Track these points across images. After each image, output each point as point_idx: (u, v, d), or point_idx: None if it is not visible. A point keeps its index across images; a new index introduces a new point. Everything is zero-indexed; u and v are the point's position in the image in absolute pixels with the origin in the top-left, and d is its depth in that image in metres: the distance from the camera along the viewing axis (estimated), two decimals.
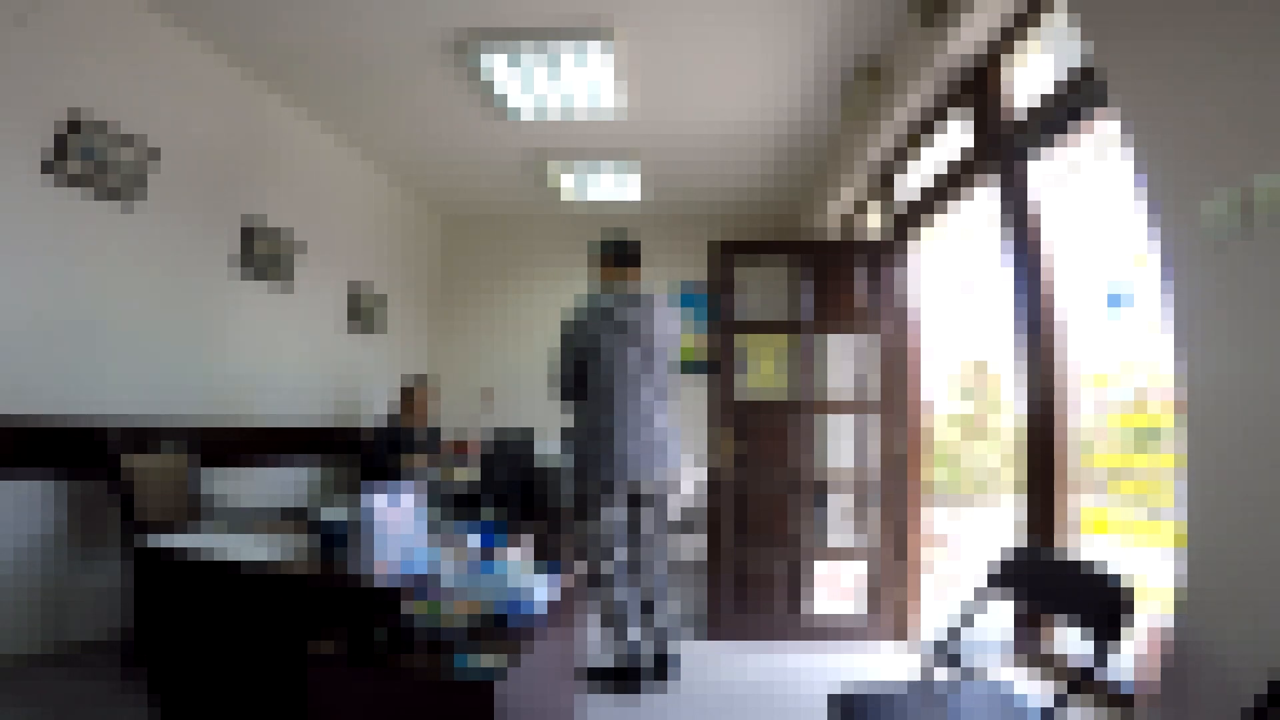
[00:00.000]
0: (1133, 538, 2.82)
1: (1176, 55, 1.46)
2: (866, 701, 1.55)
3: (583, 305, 2.69)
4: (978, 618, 1.70)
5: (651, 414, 2.64)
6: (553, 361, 2.76)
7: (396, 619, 1.57)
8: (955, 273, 4.05)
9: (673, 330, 2.77)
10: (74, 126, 2.65)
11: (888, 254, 3.36)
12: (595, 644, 2.80)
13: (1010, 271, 2.32)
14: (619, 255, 2.76)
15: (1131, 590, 1.35)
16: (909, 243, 3.33)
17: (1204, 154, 1.39)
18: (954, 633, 1.69)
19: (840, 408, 3.97)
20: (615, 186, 5.03)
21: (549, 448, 4.06)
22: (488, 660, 1.45)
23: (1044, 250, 2.24)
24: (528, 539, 2.12)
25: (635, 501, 2.69)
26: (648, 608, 2.67)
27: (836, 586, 3.60)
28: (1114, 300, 2.67)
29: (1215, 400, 1.39)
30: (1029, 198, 2.27)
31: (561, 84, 3.47)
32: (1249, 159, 1.28)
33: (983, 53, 2.56)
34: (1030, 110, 2.26)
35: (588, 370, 2.64)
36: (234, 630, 1.95)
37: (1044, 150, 2.21)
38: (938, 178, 3.00)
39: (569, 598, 2.05)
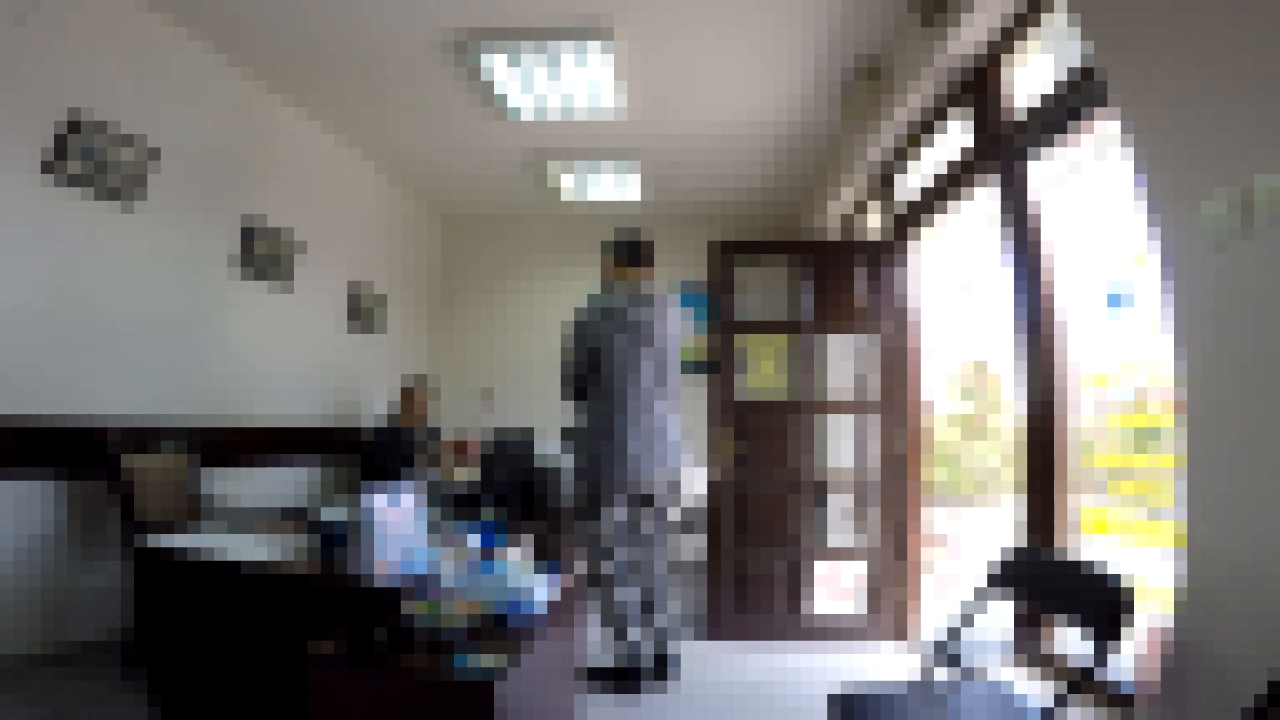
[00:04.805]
0: (1133, 538, 2.81)
1: (1176, 55, 1.45)
2: (866, 701, 1.55)
3: (593, 304, 2.68)
4: (978, 618, 1.70)
5: (658, 414, 2.64)
6: (565, 361, 2.73)
7: (396, 619, 1.57)
8: (955, 273, 4.05)
9: (674, 330, 2.77)
10: (74, 126, 2.65)
11: (888, 254, 3.36)
12: (595, 644, 2.80)
13: (1010, 271, 2.32)
14: (631, 254, 2.76)
15: (1131, 590, 1.35)
16: (909, 243, 3.33)
17: (1204, 154, 1.39)
18: (954, 633, 1.69)
19: (840, 408, 3.97)
20: (615, 186, 5.03)
21: (549, 448, 4.05)
22: (488, 660, 1.45)
23: (1044, 250, 2.24)
24: (528, 539, 2.13)
25: (639, 502, 2.69)
26: (648, 608, 2.67)
27: (836, 586, 3.60)
28: (1114, 300, 2.67)
29: (1215, 400, 1.39)
30: (1029, 198, 2.27)
31: (561, 84, 3.47)
32: (1249, 159, 1.28)
33: (983, 53, 2.56)
34: (1030, 110, 2.26)
35: (597, 369, 2.64)
36: (234, 630, 1.95)
37: (1044, 150, 2.21)
38: (938, 178, 3.00)
39: (569, 598, 2.05)
